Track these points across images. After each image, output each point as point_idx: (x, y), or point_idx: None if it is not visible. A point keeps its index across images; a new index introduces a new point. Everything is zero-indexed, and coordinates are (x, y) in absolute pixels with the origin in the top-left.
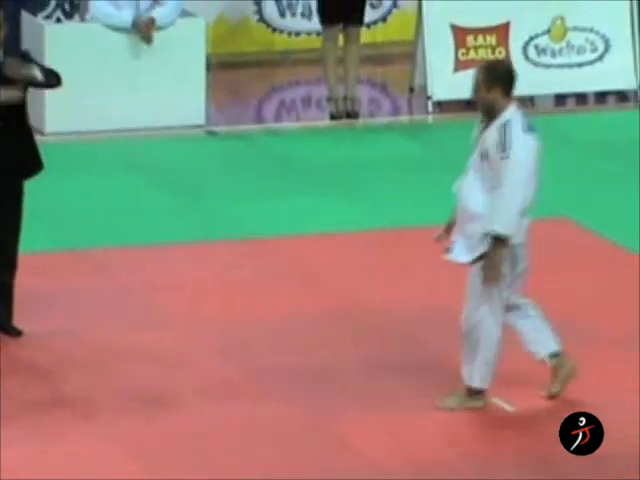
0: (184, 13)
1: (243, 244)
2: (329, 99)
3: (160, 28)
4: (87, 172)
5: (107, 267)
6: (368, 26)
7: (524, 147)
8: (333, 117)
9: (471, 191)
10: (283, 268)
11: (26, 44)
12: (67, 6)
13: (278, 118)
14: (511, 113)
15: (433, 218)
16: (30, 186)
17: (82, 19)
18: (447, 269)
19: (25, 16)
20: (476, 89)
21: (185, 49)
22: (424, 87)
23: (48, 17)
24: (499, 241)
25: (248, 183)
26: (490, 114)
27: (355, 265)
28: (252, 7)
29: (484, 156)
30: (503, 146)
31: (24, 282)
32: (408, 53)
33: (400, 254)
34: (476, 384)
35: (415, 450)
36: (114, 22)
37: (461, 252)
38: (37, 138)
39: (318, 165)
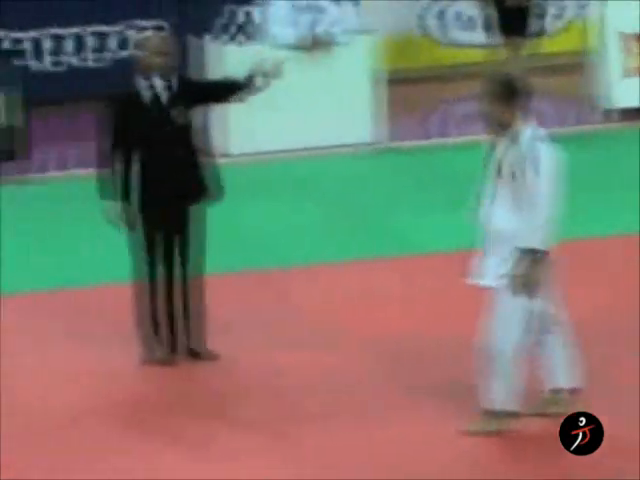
0: (354, 30)
1: (414, 260)
2: None
3: (332, 45)
4: (264, 193)
5: (285, 287)
6: (536, 37)
7: (550, 159)
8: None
9: (501, 214)
10: (449, 285)
11: (209, 67)
12: (245, 29)
13: (447, 132)
14: (525, 127)
15: (597, 230)
16: (211, 209)
17: (257, 41)
18: None
19: (205, 40)
20: (487, 104)
21: (354, 66)
22: (594, 96)
23: (222, 38)
24: (535, 258)
25: (418, 198)
26: (501, 130)
27: None
28: (419, 22)
29: (511, 175)
30: (535, 163)
31: (207, 305)
32: (577, 63)
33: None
34: (496, 406)
35: None
36: (288, 41)
37: (489, 276)
38: (221, 160)
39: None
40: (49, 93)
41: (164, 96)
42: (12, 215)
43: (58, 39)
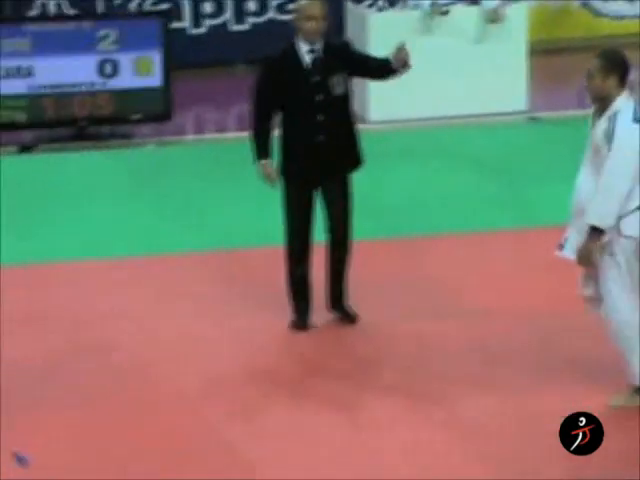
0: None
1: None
2: None
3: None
4: (409, 160)
5: (424, 255)
6: None
7: (630, 138)
8: None
9: (585, 185)
10: None
11: (350, 33)
12: None
13: None
14: (622, 102)
15: None
16: (355, 175)
17: (403, 7)
18: None
19: (349, 6)
20: (591, 78)
21: (507, 36)
22: None
23: (371, 6)
24: (594, 232)
25: (570, 168)
26: (602, 104)
27: None
28: None
29: (596, 149)
30: (609, 137)
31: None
32: None
33: None
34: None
35: None
36: (440, 6)
37: (572, 248)
38: (361, 127)
39: None
40: (191, 56)
41: (318, 62)
42: (154, 176)
43: (200, 2)
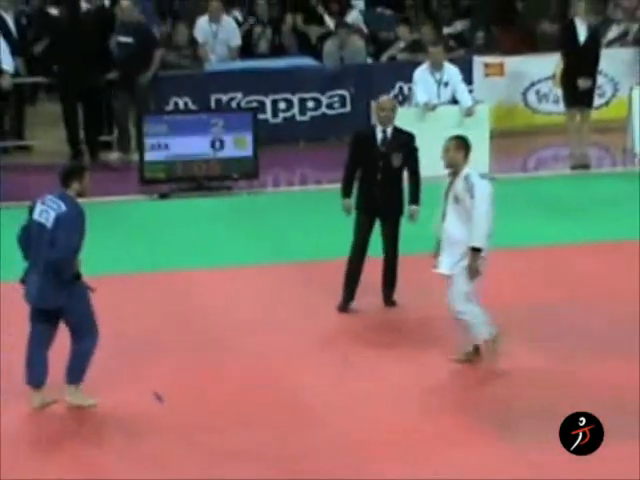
0: (476, 101)
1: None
2: (570, 155)
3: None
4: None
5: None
6: (596, 108)
7: (484, 188)
8: (573, 167)
9: (452, 225)
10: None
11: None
12: (402, 97)
13: (538, 167)
14: (469, 169)
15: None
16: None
17: (409, 105)
18: None
19: (373, 105)
20: (447, 151)
21: (476, 124)
22: (633, 148)
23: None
24: (475, 252)
25: (514, 208)
26: (455, 170)
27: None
28: (520, 96)
29: (457, 200)
30: (470, 190)
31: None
32: (622, 126)
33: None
34: (485, 337)
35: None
36: (431, 104)
37: (446, 267)
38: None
39: (564, 200)
40: (270, 136)
41: (385, 141)
42: (248, 214)
43: (276, 101)
